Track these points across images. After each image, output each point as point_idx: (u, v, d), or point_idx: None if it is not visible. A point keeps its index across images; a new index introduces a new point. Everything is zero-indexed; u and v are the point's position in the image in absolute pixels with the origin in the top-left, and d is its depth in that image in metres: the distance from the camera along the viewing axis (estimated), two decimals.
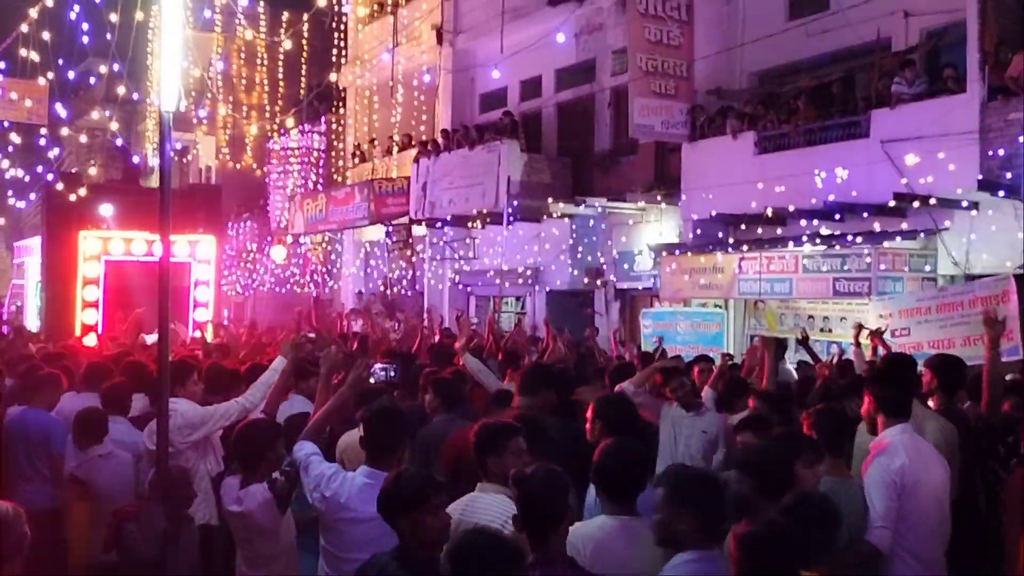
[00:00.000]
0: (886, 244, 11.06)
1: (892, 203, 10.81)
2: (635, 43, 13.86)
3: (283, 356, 5.30)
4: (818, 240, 11.54)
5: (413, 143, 20.16)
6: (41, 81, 14.06)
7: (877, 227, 11.18)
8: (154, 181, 13.98)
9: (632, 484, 3.65)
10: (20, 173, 15.81)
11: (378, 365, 4.75)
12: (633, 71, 13.91)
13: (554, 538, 3.19)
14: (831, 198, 11.44)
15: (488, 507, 3.65)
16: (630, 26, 13.99)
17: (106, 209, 14.23)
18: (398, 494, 3.24)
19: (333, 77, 19.87)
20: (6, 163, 15.71)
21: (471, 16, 19.03)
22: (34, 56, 10.23)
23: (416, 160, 18.78)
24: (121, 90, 11.22)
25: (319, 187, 23.98)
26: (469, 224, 17.48)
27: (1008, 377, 6.87)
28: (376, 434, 3.96)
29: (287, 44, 19.08)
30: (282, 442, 4.28)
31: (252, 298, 25.46)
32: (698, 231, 13.72)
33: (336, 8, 19.69)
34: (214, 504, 5.19)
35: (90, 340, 11.73)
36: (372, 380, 5.67)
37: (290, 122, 23.12)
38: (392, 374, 5.01)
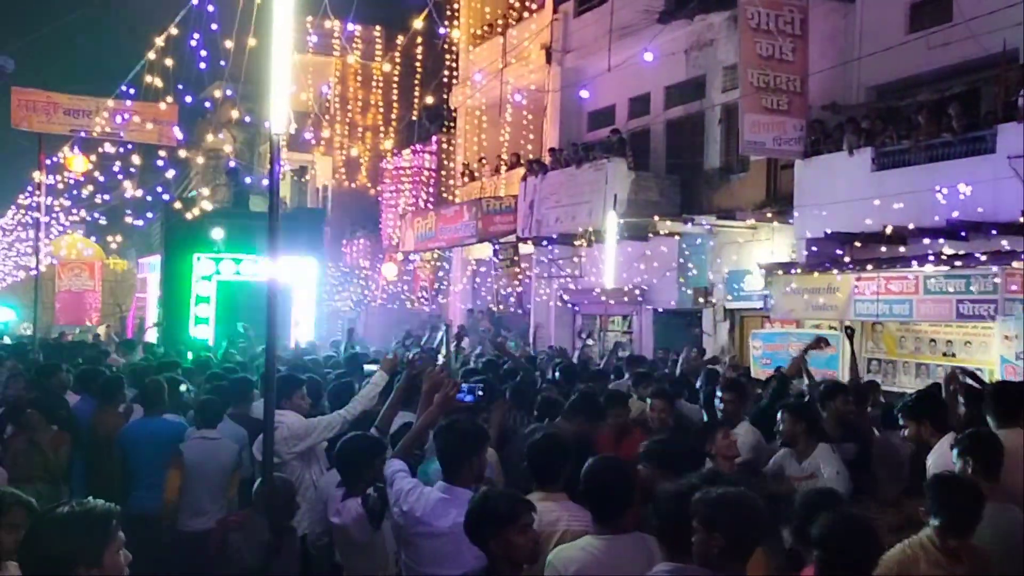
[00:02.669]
0: (1014, 264, 10.47)
1: (1021, 221, 10.23)
2: (746, 59, 13.61)
3: (383, 371, 5.40)
4: (941, 260, 11.02)
5: (521, 162, 20.32)
6: (162, 106, 14.89)
7: (1005, 246, 10.59)
8: (258, 204, 14.65)
9: (617, 501, 3.60)
10: (142, 194, 16.73)
11: (465, 385, 4.77)
12: (744, 87, 13.64)
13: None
14: (955, 216, 10.92)
15: None
16: (742, 42, 13.75)
17: (217, 232, 14.98)
18: (487, 513, 3.24)
19: (429, 100, 20.32)
20: (129, 184, 16.67)
21: (580, 35, 19.10)
22: (158, 82, 10.82)
23: (524, 178, 18.91)
24: (235, 113, 11.73)
25: (429, 205, 24.43)
26: (575, 242, 17.46)
27: None
28: (449, 450, 4.00)
29: (391, 67, 19.48)
30: (383, 459, 4.35)
31: (364, 313, 26.10)
32: (812, 250, 13.29)
33: (447, 30, 20.12)
34: (317, 514, 5.31)
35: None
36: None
37: (388, 143, 23.63)
38: (480, 393, 5.02)
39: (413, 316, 23.81)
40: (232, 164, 18.86)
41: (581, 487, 3.73)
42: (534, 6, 20.72)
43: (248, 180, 16.06)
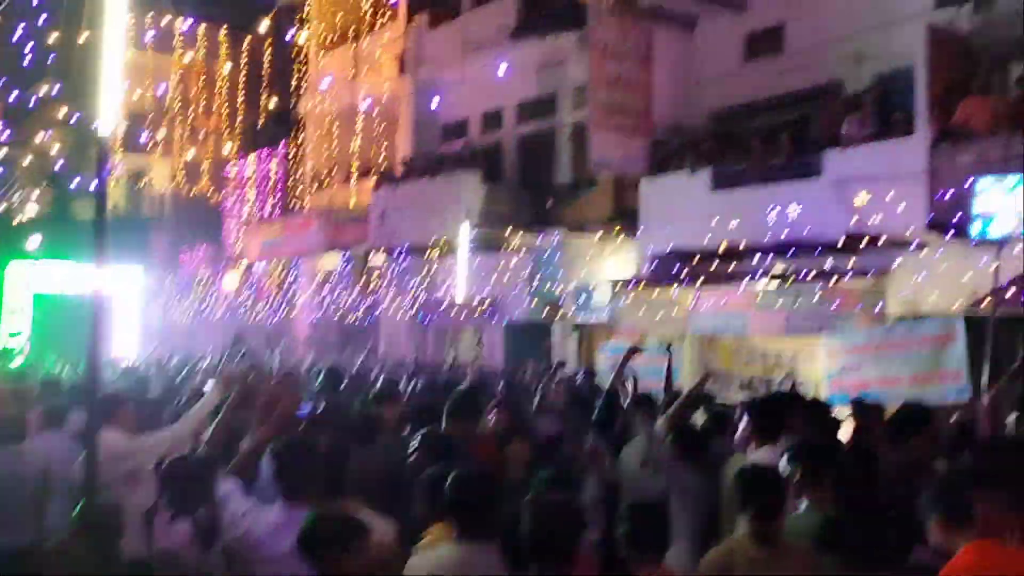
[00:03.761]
0: (837, 282, 11.16)
1: (843, 242, 10.92)
2: (595, 79, 13.97)
3: (218, 387, 5.17)
4: (771, 277, 11.62)
5: (373, 172, 20.10)
6: None
7: (829, 265, 11.28)
8: (84, 210, 13.86)
9: (480, 510, 3.61)
10: None
11: (307, 401, 4.64)
12: (593, 106, 14.00)
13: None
14: (784, 236, 11.53)
15: None
16: (591, 62, 14.10)
17: (36, 239, 14.08)
18: (320, 536, 3.15)
19: (276, 104, 19.84)
20: None
21: (434, 47, 19.10)
22: None
23: (375, 188, 18.72)
24: (62, 112, 11.04)
25: (276, 214, 23.80)
26: (427, 254, 17.41)
27: (954, 418, 6.93)
28: (286, 469, 3.88)
29: (236, 68, 18.95)
30: (214, 478, 4.15)
31: (204, 326, 25.07)
32: (655, 265, 13.76)
33: (296, 35, 19.72)
34: (145, 538, 5.03)
35: None
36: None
37: (229, 147, 22.91)
38: (321, 410, 4.89)
39: (257, 328, 23.06)
40: (58, 166, 17.75)
41: (446, 495, 3.69)
42: (387, 16, 20.58)
43: (75, 184, 15.08)
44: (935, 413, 5.81)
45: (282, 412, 4.19)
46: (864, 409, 7.40)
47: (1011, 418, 6.17)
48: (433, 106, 18.88)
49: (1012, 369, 6.43)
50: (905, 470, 4.92)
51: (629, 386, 8.29)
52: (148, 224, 18.84)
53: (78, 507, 4.70)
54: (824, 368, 10.81)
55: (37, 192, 19.28)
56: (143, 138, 23.93)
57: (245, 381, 5.20)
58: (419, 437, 4.82)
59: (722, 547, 3.94)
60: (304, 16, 22.77)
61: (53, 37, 9.46)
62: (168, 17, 22.07)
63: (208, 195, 26.87)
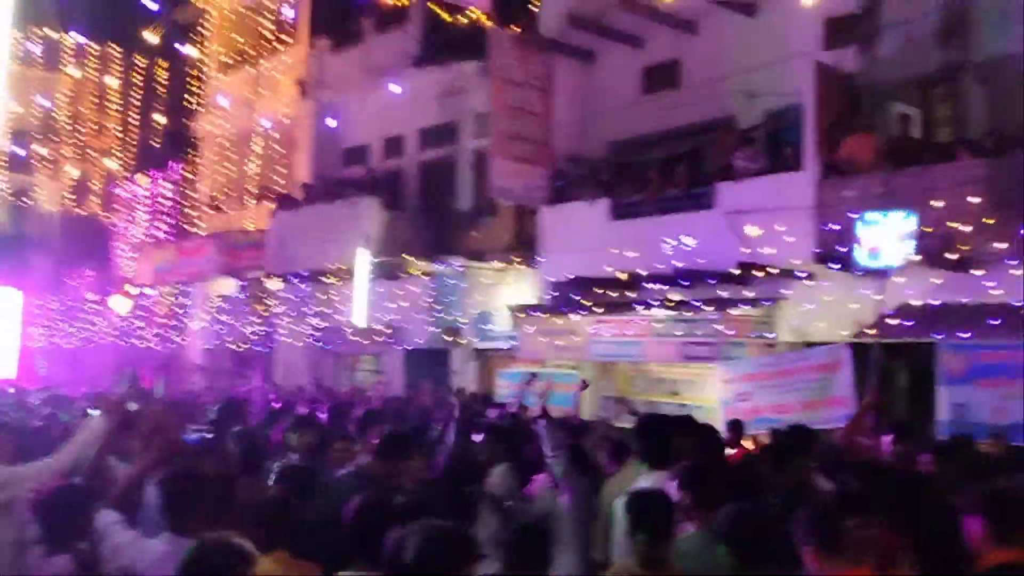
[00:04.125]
0: (730, 311, 11.47)
1: (736, 272, 11.25)
2: (496, 108, 14.09)
3: (102, 414, 4.95)
4: (668, 305, 11.87)
5: (271, 195, 19.73)
6: None
7: (723, 294, 11.60)
8: None
9: (378, 537, 3.54)
10: None
11: (194, 428, 4.50)
12: (494, 135, 14.11)
13: None
14: (680, 265, 11.80)
15: None
16: (491, 91, 14.22)
17: None
18: (200, 566, 3.03)
19: (166, 122, 19.33)
20: None
21: (335, 72, 18.95)
22: None
23: (273, 213, 18.38)
24: None
25: (169, 237, 23.09)
26: (326, 280, 17.15)
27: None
28: (173, 499, 3.76)
29: (128, 87, 18.43)
30: (94, 509, 3.97)
31: (92, 351, 24.04)
32: (555, 293, 13.89)
33: (185, 51, 19.30)
34: (21, 573, 4.75)
35: None
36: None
37: (115, 165, 22.16)
38: (209, 437, 4.76)
39: (147, 355, 22.25)
40: None
41: (351, 526, 3.65)
42: (288, 39, 20.33)
43: None
44: (818, 436, 6.03)
45: (165, 440, 4.03)
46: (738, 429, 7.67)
47: (888, 439, 6.42)
48: (330, 124, 18.70)
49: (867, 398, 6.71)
50: (787, 492, 5.06)
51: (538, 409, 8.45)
52: (28, 244, 17.97)
53: None
54: (718, 395, 11.08)
55: None
56: (29, 155, 22.91)
57: (126, 408, 5.02)
58: (276, 470, 4.80)
59: (610, 573, 3.97)
60: (201, 36, 22.28)
61: None
62: (58, 32, 21.30)
63: (97, 216, 25.87)
